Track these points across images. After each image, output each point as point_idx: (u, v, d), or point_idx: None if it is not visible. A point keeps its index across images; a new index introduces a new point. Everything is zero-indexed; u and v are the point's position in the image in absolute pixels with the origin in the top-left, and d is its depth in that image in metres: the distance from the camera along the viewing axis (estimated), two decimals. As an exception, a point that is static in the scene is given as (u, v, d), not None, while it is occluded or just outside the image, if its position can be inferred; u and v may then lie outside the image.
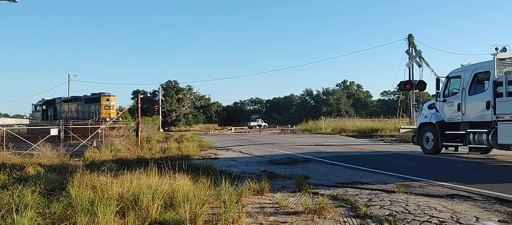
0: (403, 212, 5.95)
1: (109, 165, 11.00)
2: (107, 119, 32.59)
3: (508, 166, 11.91)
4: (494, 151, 14.57)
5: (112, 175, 7.86)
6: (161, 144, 22.84)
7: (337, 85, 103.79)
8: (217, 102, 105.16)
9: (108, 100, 36.54)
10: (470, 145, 13.95)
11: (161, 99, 65.93)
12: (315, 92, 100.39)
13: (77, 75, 60.33)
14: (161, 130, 44.17)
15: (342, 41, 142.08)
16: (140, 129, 22.36)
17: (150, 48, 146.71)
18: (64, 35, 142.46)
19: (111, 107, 36.75)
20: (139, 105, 24.66)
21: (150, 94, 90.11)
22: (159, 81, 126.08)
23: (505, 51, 13.27)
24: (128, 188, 6.67)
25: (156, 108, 58.92)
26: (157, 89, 70.25)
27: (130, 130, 25.09)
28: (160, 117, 53.00)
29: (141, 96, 50.66)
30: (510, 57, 13.29)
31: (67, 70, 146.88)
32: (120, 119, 32.14)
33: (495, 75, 12.85)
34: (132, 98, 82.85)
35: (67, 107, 40.93)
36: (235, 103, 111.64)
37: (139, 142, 21.36)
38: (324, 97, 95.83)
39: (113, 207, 5.34)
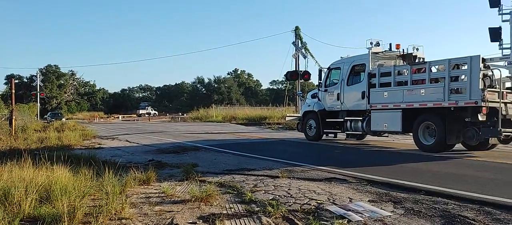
0: (286, 196, 6.23)
1: (-26, 157, 9.87)
2: (-26, 106, 29.16)
3: (379, 151, 13.13)
4: (368, 138, 15.96)
5: (-23, 168, 7.05)
6: (39, 133, 21.11)
7: (228, 74, 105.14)
8: (103, 88, 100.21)
9: (-25, 85, 32.67)
10: (347, 132, 15.10)
11: (40, 85, 61.05)
12: (206, 80, 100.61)
13: None
14: (39, 119, 40.80)
15: (234, 30, 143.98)
16: (14, 117, 20.57)
17: (27, 29, 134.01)
18: None
19: (-20, 92, 32.92)
20: (13, 91, 22.54)
21: (27, 79, 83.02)
22: (38, 66, 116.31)
23: (378, 46, 14.48)
24: (-4, 182, 6.03)
25: (34, 95, 54.28)
26: (35, 74, 64.94)
27: (3, 119, 22.92)
28: (38, 104, 48.84)
29: (16, 81, 46.24)
30: (382, 51, 14.54)
31: None
32: (-9, 106, 29.00)
33: (370, 68, 14.01)
34: (6, 84, 75.43)
35: None
36: (123, 90, 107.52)
37: (13, 132, 19.63)
38: (216, 85, 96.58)
39: (-24, 204, 4.79)
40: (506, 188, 6.70)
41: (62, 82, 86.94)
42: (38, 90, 54.20)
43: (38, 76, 61.74)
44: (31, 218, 5.11)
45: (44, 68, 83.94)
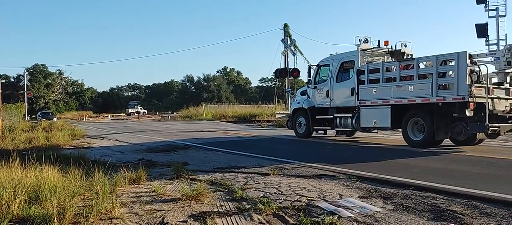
0: (276, 193, 6.25)
1: (-40, 158, 9.72)
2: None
3: (368, 147, 13.20)
4: (358, 134, 16.05)
5: (-37, 170, 6.95)
6: (27, 133, 20.89)
7: (217, 72, 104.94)
8: (91, 87, 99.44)
9: (-39, 85, 32.06)
10: (337, 129, 15.15)
11: (27, 85, 60.43)
12: (196, 78, 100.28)
13: None
14: (28, 118, 40.34)
15: (222, 28, 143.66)
16: (1, 117, 20.34)
17: (13, 28, 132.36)
18: None
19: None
20: (0, 91, 22.29)
21: (14, 78, 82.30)
22: (24, 65, 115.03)
23: (367, 42, 14.54)
24: (-16, 183, 5.96)
25: (21, 95, 53.69)
26: (22, 74, 64.27)
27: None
28: (26, 104, 48.33)
29: (3, 81, 45.63)
30: (371, 48, 14.61)
31: None
32: (-24, 106, 28.58)
33: (359, 64, 14.07)
34: (-8, 83, 74.28)
35: None
36: (112, 89, 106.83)
37: (0, 132, 19.42)
38: (205, 84, 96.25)
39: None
40: (493, 183, 6.79)
41: (50, 81, 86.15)
42: (25, 90, 53.55)
43: (25, 75, 61.01)
44: (20, 219, 5.06)
45: (31, 67, 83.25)
